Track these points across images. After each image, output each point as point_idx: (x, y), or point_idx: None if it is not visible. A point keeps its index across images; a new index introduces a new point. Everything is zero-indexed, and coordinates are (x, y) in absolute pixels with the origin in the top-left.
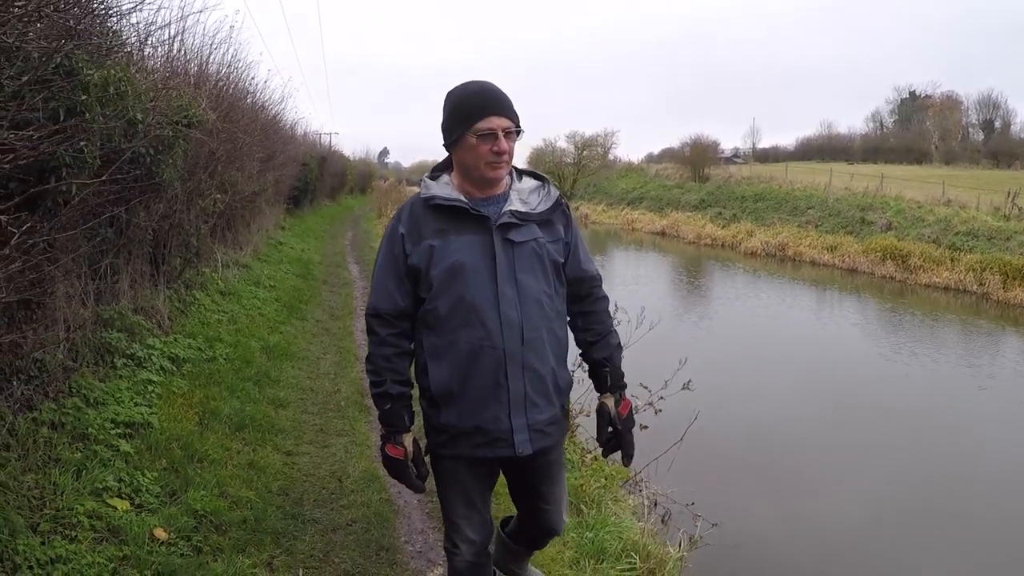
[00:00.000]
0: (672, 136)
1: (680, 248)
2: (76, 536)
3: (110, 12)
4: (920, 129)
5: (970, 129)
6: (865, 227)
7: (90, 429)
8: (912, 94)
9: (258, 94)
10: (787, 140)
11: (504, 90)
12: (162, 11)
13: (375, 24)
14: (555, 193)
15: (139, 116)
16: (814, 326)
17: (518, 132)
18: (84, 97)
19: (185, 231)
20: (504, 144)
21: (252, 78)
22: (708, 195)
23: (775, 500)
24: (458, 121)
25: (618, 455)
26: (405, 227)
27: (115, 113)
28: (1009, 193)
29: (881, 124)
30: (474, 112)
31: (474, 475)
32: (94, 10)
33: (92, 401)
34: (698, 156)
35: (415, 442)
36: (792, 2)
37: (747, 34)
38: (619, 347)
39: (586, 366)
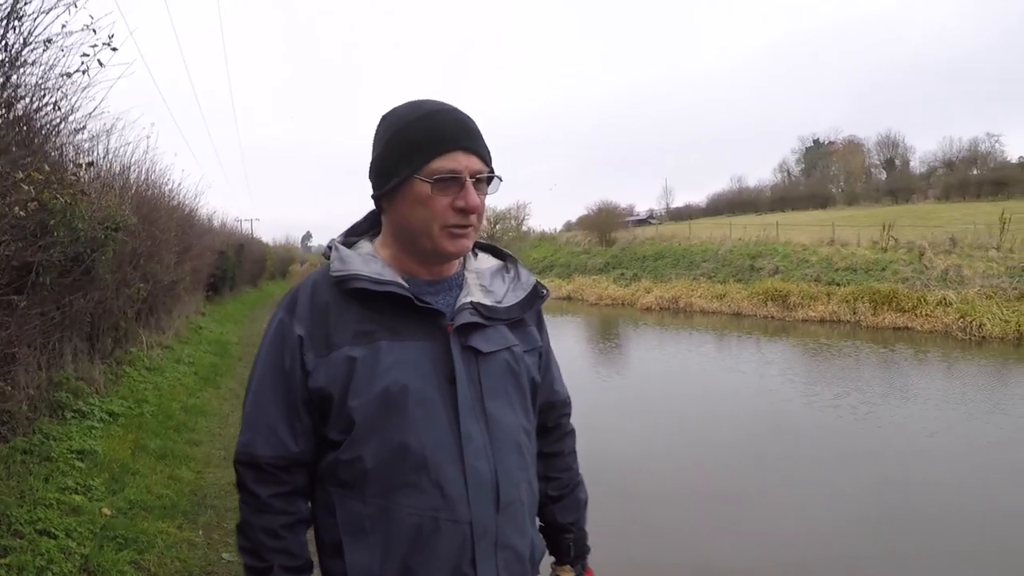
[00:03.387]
0: (592, 205)
1: (583, 309)
2: (48, 514)
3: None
4: (822, 175)
5: (872, 169)
6: (754, 273)
7: (52, 454)
8: (816, 142)
9: (173, 196)
10: (699, 198)
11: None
12: (88, 130)
13: (293, 110)
14: (529, 278)
15: (80, 226)
16: (701, 369)
17: (492, 179)
18: (52, 221)
19: (115, 316)
20: (474, 197)
21: (168, 180)
22: (612, 258)
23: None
24: (402, 156)
25: None
26: (304, 325)
27: (69, 228)
28: (884, 226)
29: (788, 173)
30: (429, 143)
31: None
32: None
33: (51, 437)
34: (603, 221)
35: None
36: (704, 69)
37: (662, 104)
38: (586, 503)
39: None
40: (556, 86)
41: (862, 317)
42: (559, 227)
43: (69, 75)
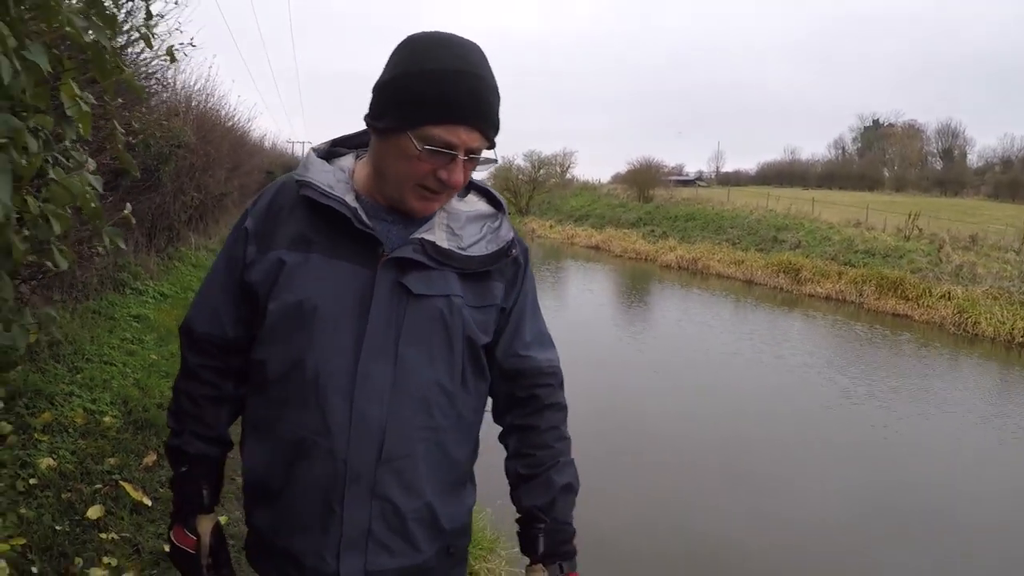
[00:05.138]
0: (634, 160)
1: (606, 259)
2: (111, 351)
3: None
4: (873, 157)
5: (929, 158)
6: (776, 245)
7: (115, 315)
8: (875, 122)
9: (228, 119)
10: (750, 165)
11: (494, 76)
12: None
13: (344, 35)
14: (507, 233)
15: (150, 142)
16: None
17: (486, 159)
18: (134, 140)
19: (170, 218)
20: (458, 176)
21: (225, 104)
22: (645, 214)
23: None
24: (403, 105)
25: None
26: (256, 220)
27: (145, 145)
28: (910, 215)
29: (843, 151)
30: (435, 107)
31: None
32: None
33: (115, 304)
34: (642, 177)
35: (217, 530)
36: (771, 35)
37: (724, 63)
38: (568, 489)
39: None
40: (625, 27)
41: (866, 300)
42: (607, 178)
43: (159, 58)
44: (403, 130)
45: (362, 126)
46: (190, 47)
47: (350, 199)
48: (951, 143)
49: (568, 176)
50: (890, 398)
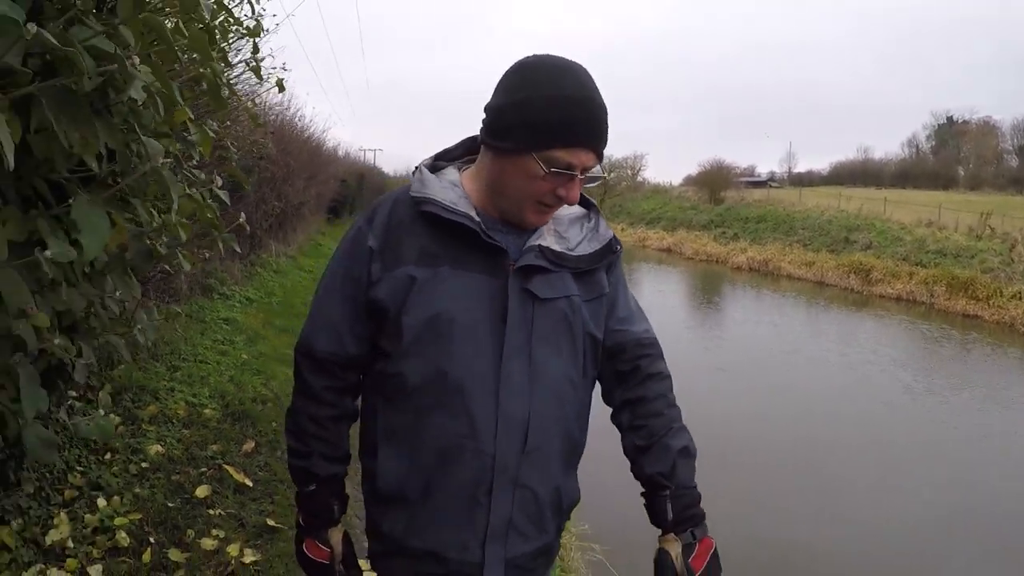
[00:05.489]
0: (705, 162)
1: (678, 261)
2: (205, 351)
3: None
4: (948, 155)
5: (1006, 155)
6: (848, 245)
7: (206, 318)
8: (949, 119)
9: (304, 130)
10: (823, 165)
11: (602, 96)
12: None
13: (429, 43)
14: (606, 231)
15: (236, 156)
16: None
17: (594, 176)
18: (226, 155)
19: (252, 226)
20: (576, 191)
21: (300, 115)
22: (717, 216)
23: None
24: (527, 129)
25: None
26: (377, 238)
27: (232, 159)
28: (983, 214)
29: (917, 149)
30: (559, 132)
31: None
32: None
33: (204, 308)
34: (712, 179)
35: (346, 538)
36: (837, 30)
37: (792, 61)
38: (686, 453)
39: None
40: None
41: (936, 300)
42: (678, 181)
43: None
44: (528, 152)
45: (435, 135)
46: (282, 70)
47: (473, 214)
48: None
49: (639, 179)
50: (951, 396)
